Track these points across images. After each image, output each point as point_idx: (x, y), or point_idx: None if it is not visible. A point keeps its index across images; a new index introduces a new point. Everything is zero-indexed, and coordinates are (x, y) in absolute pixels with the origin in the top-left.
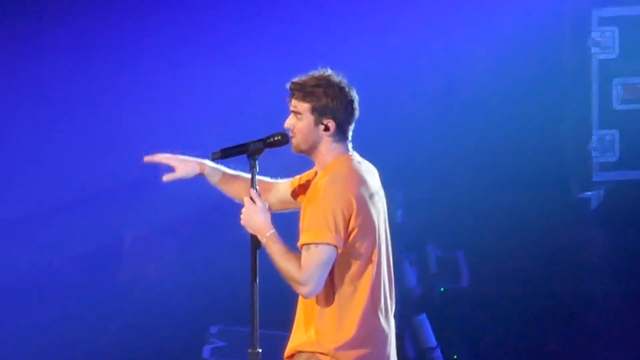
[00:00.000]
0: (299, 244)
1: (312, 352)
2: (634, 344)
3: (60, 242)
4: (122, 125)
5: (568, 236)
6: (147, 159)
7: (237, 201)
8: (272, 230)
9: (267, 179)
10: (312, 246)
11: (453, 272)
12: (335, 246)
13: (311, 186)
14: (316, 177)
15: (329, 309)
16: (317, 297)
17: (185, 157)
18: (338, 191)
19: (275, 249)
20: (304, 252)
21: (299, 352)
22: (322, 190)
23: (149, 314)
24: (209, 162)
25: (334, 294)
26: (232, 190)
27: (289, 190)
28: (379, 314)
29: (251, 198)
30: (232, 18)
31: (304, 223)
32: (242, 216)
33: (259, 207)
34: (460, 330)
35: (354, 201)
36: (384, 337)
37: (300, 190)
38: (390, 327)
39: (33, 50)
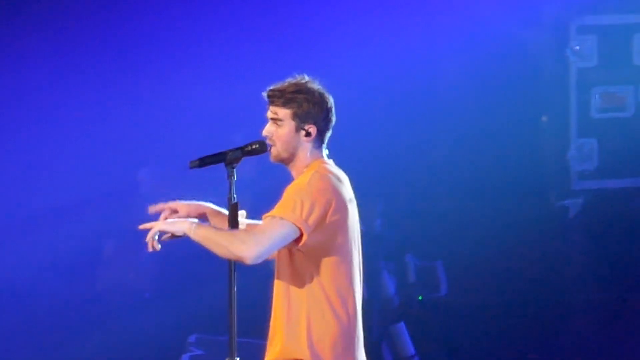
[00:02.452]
0: (264, 215)
1: None
2: (614, 353)
3: (40, 250)
4: (102, 136)
5: (547, 245)
6: (152, 210)
7: None
8: (196, 221)
9: (249, 221)
10: (277, 218)
11: (431, 282)
12: (299, 229)
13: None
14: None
15: (302, 315)
16: (290, 303)
17: (187, 202)
18: (323, 185)
19: (208, 230)
20: (265, 220)
21: None
22: (307, 179)
23: (127, 323)
24: (211, 205)
25: (307, 298)
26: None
27: None
28: (354, 319)
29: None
30: (214, 20)
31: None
32: (163, 227)
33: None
34: (438, 339)
35: (334, 199)
36: (355, 342)
37: None
38: (360, 333)
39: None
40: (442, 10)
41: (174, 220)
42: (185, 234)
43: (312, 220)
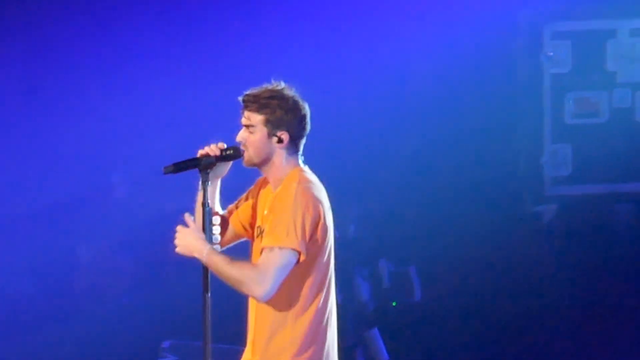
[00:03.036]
0: (262, 244)
1: None
2: (585, 357)
3: (14, 255)
4: (75, 140)
5: (521, 250)
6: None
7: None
8: (209, 246)
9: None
10: (276, 249)
11: (405, 287)
12: (299, 252)
13: (268, 201)
14: (271, 192)
15: (283, 322)
16: (271, 309)
17: None
18: (309, 199)
19: (218, 261)
20: (265, 253)
21: None
22: (292, 196)
23: (102, 329)
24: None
25: (289, 306)
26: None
27: (235, 222)
28: (330, 327)
29: (180, 226)
30: (191, 26)
31: (265, 226)
32: (176, 242)
33: (191, 228)
34: (412, 345)
35: (322, 211)
36: (332, 350)
37: (247, 216)
38: (335, 340)
39: None
40: (416, 15)
41: (191, 238)
42: (196, 257)
43: (307, 238)
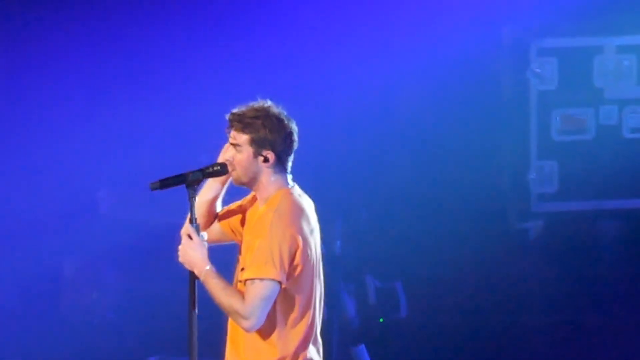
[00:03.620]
0: (243, 277)
1: None
2: None
3: None
4: (61, 155)
5: (506, 267)
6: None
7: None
8: (209, 266)
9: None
10: (257, 281)
11: (392, 303)
12: (279, 282)
13: (254, 219)
14: (257, 209)
15: (268, 344)
16: (256, 331)
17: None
18: (284, 227)
19: (214, 284)
20: (248, 286)
21: None
22: (268, 225)
23: (88, 343)
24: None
25: (273, 328)
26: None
27: (225, 225)
28: (315, 347)
29: (188, 234)
30: (177, 38)
31: (247, 258)
32: (179, 252)
33: (196, 242)
34: None
35: (299, 238)
36: None
37: (235, 222)
38: (320, 356)
39: None
40: (401, 29)
41: (194, 253)
42: (195, 272)
43: (286, 266)
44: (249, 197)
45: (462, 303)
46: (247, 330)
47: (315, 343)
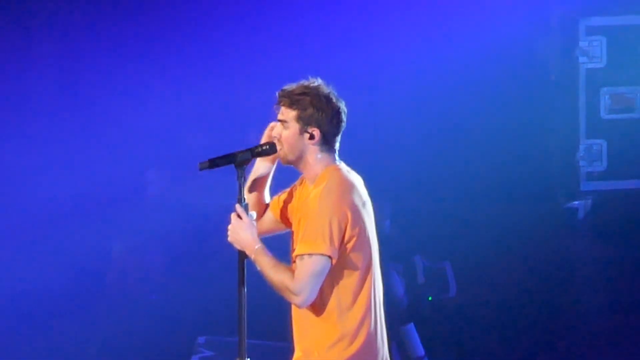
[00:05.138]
0: (294, 254)
1: None
2: (622, 354)
3: (46, 251)
4: (109, 137)
5: (555, 246)
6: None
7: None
8: (260, 244)
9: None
10: (306, 256)
11: (440, 283)
12: (330, 257)
13: (303, 199)
14: (305, 189)
15: (329, 322)
16: (315, 310)
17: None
18: (334, 202)
19: (264, 262)
20: (298, 262)
21: None
22: (317, 201)
23: (136, 325)
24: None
25: (333, 306)
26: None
27: (277, 213)
28: (377, 324)
29: (237, 214)
30: (224, 20)
31: (298, 235)
32: (229, 232)
33: (245, 222)
34: (447, 340)
35: (349, 212)
36: (380, 347)
37: (285, 209)
38: (384, 336)
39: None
40: (449, 12)
41: (245, 233)
42: (246, 251)
43: (336, 241)
44: (297, 182)
45: (511, 282)
46: (299, 307)
47: (376, 320)
